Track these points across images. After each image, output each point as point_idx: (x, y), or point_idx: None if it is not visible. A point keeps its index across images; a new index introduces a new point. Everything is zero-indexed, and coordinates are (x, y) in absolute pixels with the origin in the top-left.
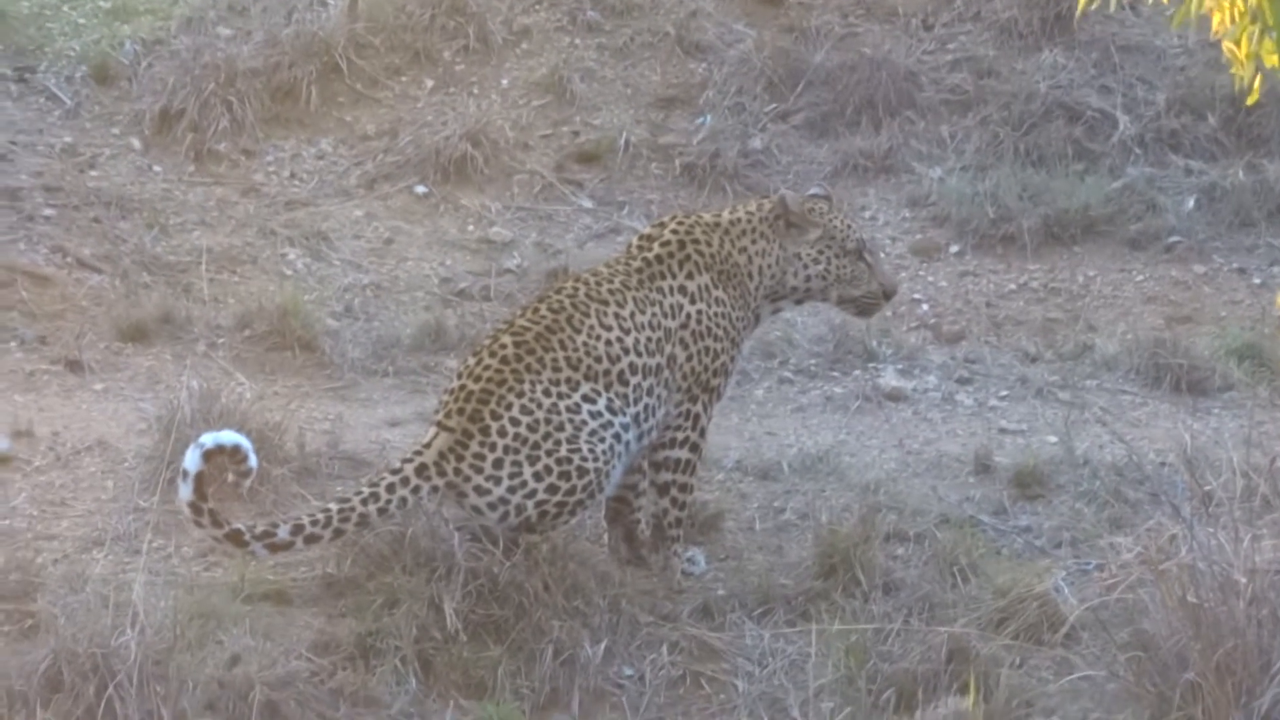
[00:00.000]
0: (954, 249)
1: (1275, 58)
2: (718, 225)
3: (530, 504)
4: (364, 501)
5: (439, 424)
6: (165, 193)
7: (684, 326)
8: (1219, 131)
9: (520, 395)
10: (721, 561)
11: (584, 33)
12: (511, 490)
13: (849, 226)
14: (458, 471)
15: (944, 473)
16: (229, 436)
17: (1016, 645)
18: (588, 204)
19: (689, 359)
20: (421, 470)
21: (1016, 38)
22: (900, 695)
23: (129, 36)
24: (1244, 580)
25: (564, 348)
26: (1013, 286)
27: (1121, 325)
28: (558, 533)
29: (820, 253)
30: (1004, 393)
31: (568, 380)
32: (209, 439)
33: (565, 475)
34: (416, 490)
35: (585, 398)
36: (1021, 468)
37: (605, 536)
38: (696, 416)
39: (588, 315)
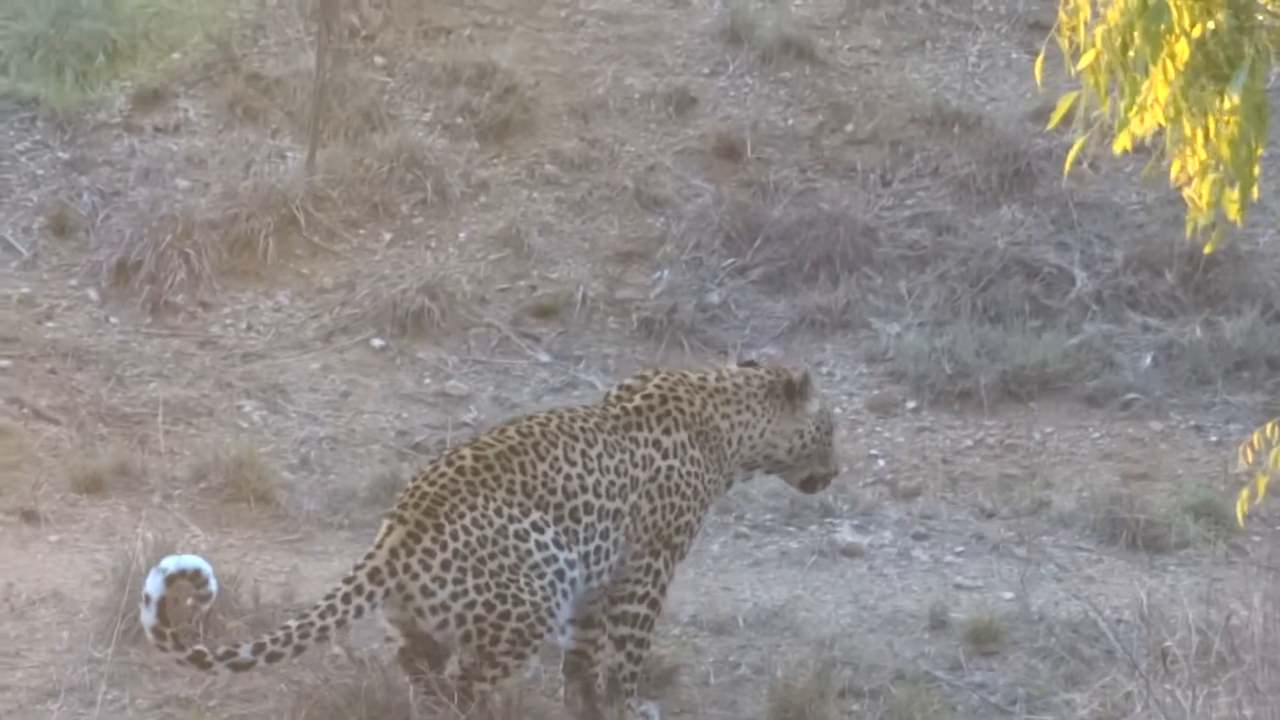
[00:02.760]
0: (911, 405)
1: (1235, 208)
2: (703, 387)
3: (469, 616)
4: (321, 615)
5: (393, 515)
6: (122, 344)
7: (652, 479)
8: (1176, 289)
9: (473, 508)
10: (676, 716)
11: (542, 186)
12: (454, 597)
13: (830, 407)
14: (407, 568)
15: (899, 628)
16: (190, 560)
17: None
18: (544, 358)
19: (653, 512)
20: (374, 575)
21: (975, 194)
22: None
23: (86, 188)
24: None
25: (523, 471)
26: (969, 442)
27: (1078, 482)
28: (511, 683)
29: (817, 428)
30: (960, 548)
31: (520, 505)
32: (171, 563)
33: (502, 598)
34: (371, 596)
35: (534, 525)
36: (977, 624)
37: (561, 690)
38: (657, 572)
39: (554, 446)
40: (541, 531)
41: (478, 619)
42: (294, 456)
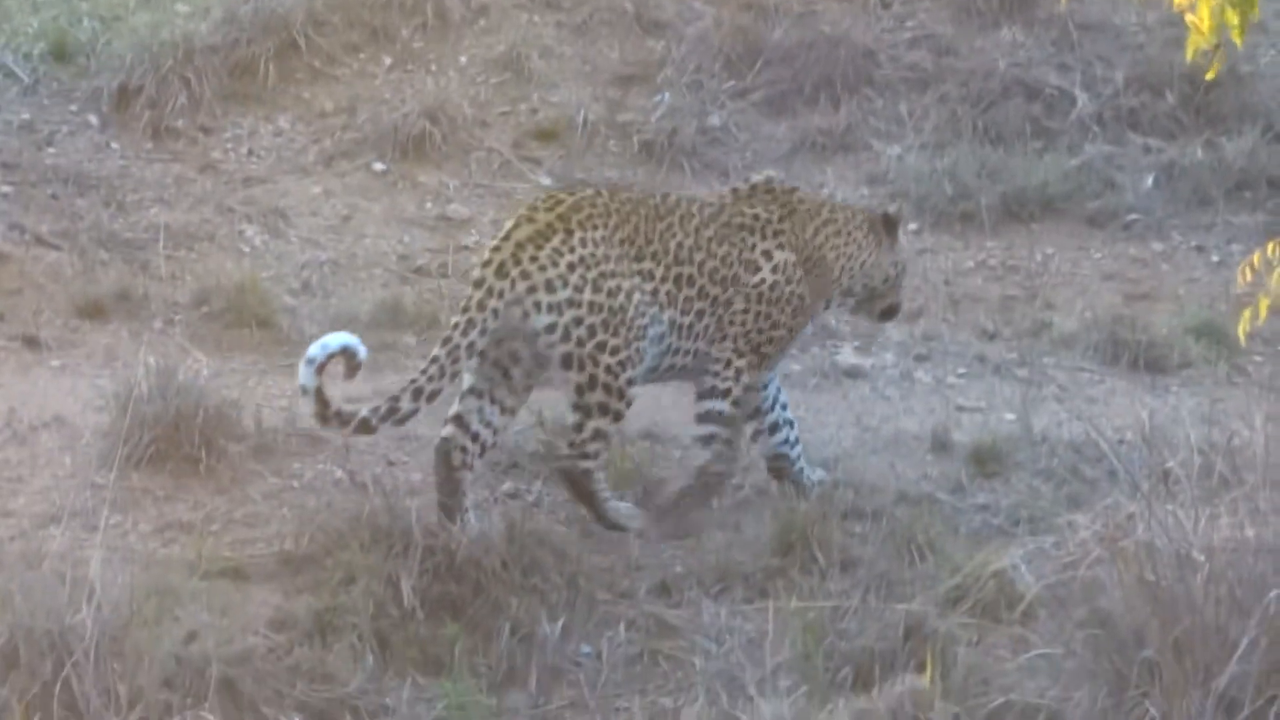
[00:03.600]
0: (912, 226)
1: (1237, 31)
2: (818, 216)
3: (575, 334)
4: (463, 332)
5: (521, 214)
6: (123, 170)
7: (755, 287)
8: (1177, 109)
9: (605, 228)
10: (680, 539)
11: (542, 10)
12: (570, 304)
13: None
14: (534, 259)
15: (902, 450)
16: (334, 340)
17: (974, 623)
18: (545, 181)
19: (745, 312)
20: (501, 269)
21: (975, 15)
22: (857, 673)
23: (87, 13)
24: (1202, 558)
25: (645, 220)
26: (971, 264)
27: (1080, 303)
28: (518, 511)
29: (902, 259)
30: (962, 370)
31: (639, 249)
32: (317, 350)
33: (606, 326)
34: (501, 294)
35: (645, 274)
36: (979, 445)
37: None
38: (739, 370)
39: (673, 213)
40: (649, 280)
41: (579, 340)
42: (295, 281)
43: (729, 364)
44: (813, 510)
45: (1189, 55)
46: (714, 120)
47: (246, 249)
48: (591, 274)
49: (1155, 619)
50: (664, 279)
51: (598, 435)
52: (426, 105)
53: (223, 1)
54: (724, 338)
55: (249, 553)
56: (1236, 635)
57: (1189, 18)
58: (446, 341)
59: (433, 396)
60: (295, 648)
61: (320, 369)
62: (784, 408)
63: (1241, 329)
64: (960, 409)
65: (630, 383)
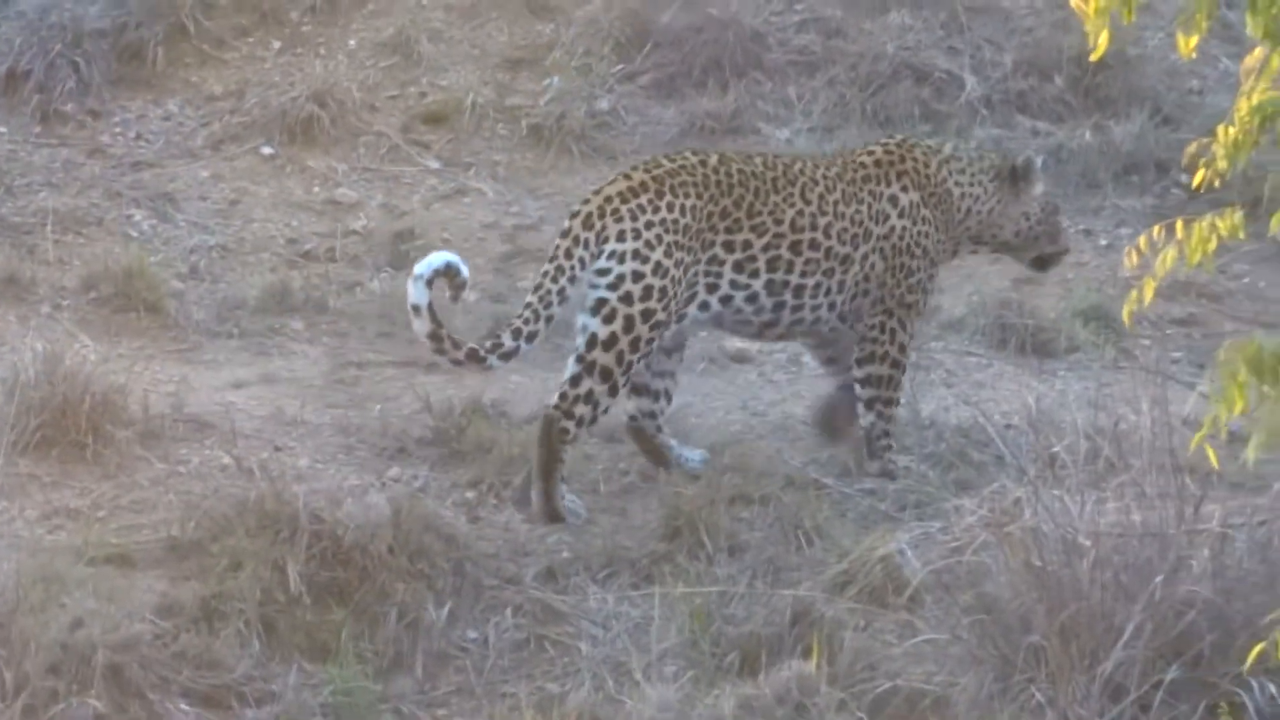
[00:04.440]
0: None
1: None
2: (939, 151)
3: (627, 286)
4: (552, 279)
5: (620, 173)
6: (10, 153)
7: (886, 237)
8: (1066, 93)
9: (698, 198)
10: (566, 525)
11: None
12: (633, 256)
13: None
14: (615, 212)
15: (789, 434)
16: (438, 259)
17: (860, 608)
18: (434, 165)
19: (886, 270)
20: (588, 220)
21: None
22: (744, 658)
23: None
24: (1088, 543)
25: (755, 196)
26: None
27: (968, 286)
28: (405, 497)
29: (1042, 209)
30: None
31: (730, 224)
32: (424, 268)
33: (659, 293)
34: (588, 245)
35: (735, 245)
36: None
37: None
38: (893, 330)
39: (793, 184)
40: (739, 250)
41: (627, 296)
42: (183, 265)
43: (882, 326)
44: (700, 495)
45: (1090, 40)
46: (603, 104)
47: (134, 233)
48: (667, 238)
49: (1041, 604)
50: (768, 246)
51: (590, 399)
52: (315, 89)
53: None
54: (868, 298)
55: (135, 539)
56: (1122, 620)
57: (1075, 2)
58: (538, 288)
59: (531, 337)
60: (181, 634)
61: (429, 284)
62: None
63: (1126, 312)
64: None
65: (641, 360)
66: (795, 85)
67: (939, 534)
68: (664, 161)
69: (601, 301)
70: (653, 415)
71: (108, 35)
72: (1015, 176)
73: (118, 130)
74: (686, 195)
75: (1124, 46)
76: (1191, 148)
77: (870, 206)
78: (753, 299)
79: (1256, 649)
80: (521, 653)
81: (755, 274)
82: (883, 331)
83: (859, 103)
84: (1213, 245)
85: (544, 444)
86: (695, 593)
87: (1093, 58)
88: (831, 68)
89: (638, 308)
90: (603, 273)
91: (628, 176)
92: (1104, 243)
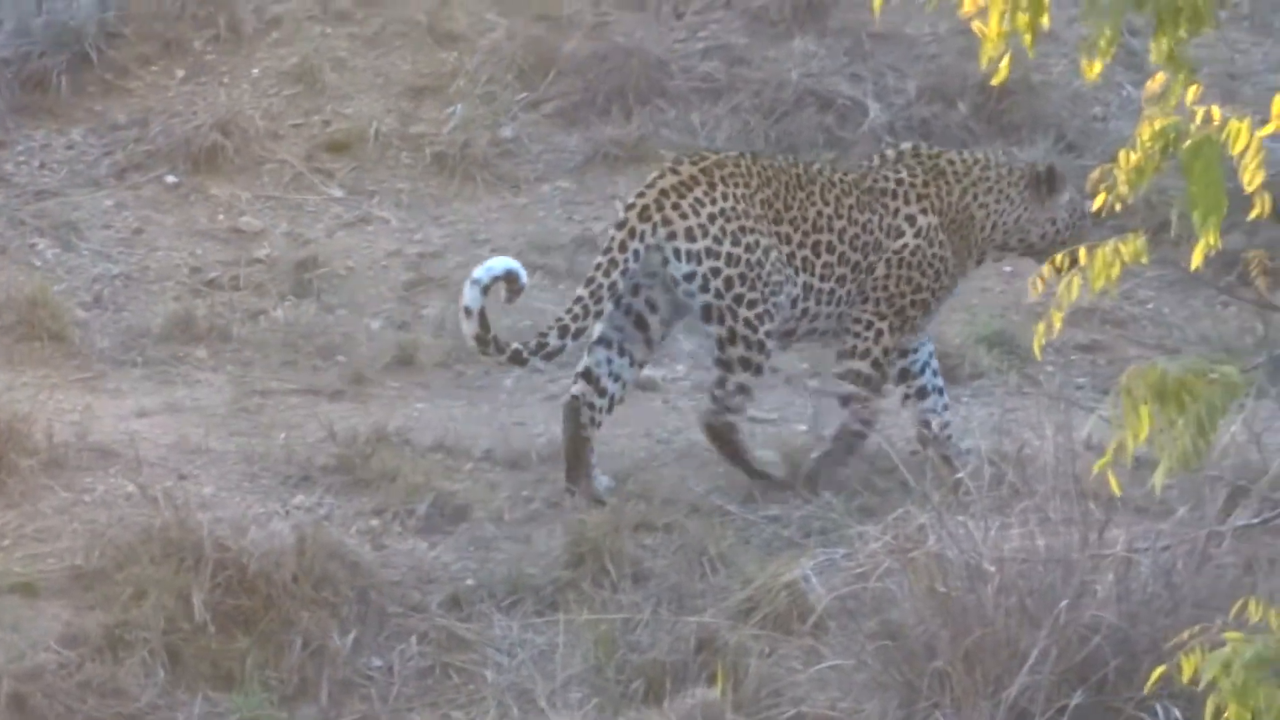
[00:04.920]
0: None
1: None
2: (966, 175)
3: (713, 284)
4: (605, 272)
5: (666, 166)
6: None
7: (897, 252)
8: (970, 119)
9: (746, 187)
10: (469, 553)
11: (335, 21)
12: (708, 254)
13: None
14: (676, 206)
15: (694, 462)
16: (498, 264)
17: (765, 635)
18: (338, 193)
19: (888, 278)
20: (644, 213)
21: (768, 25)
22: (649, 685)
23: None
24: (992, 569)
25: (786, 188)
26: None
27: None
28: (309, 525)
29: (1069, 214)
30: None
31: (776, 213)
32: (482, 273)
33: (744, 280)
34: (643, 236)
35: (781, 237)
36: (772, 457)
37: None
38: (879, 332)
39: (814, 182)
40: (786, 244)
41: (718, 292)
42: (87, 294)
43: (870, 325)
44: (604, 523)
45: (983, 64)
46: (507, 132)
47: (38, 262)
48: (731, 226)
49: (946, 630)
50: (801, 244)
51: (741, 389)
52: (219, 117)
53: (15, 13)
54: (865, 299)
55: (40, 568)
56: (1027, 646)
57: (976, 25)
58: (590, 282)
59: (578, 334)
60: (86, 663)
61: (485, 291)
62: (935, 374)
63: (1037, 345)
64: (753, 420)
65: (769, 335)
66: (699, 112)
67: (843, 560)
68: (707, 154)
69: (706, 308)
70: (591, 407)
71: (11, 64)
72: (1041, 184)
73: (21, 159)
74: (736, 184)
75: (1028, 73)
76: (1095, 173)
77: (883, 220)
78: (794, 301)
79: (1158, 672)
80: (426, 680)
81: (797, 271)
82: (867, 328)
83: (763, 129)
84: (1116, 271)
85: (720, 446)
86: (600, 620)
87: (993, 82)
88: (735, 95)
89: (729, 298)
90: (689, 278)
91: (676, 170)
92: (1008, 269)
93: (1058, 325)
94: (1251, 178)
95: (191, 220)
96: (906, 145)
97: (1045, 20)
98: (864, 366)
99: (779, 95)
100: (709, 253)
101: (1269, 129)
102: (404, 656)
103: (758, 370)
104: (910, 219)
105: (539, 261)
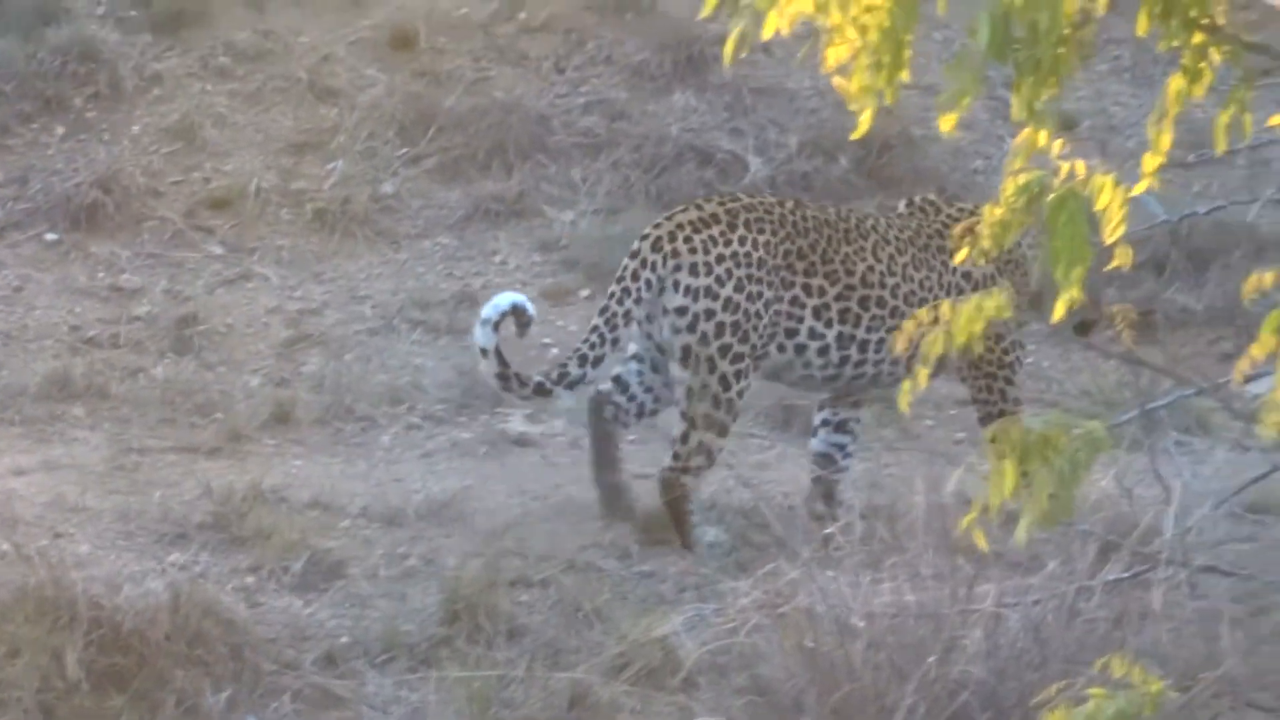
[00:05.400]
0: (585, 293)
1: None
2: None
3: (702, 326)
4: (618, 300)
5: (691, 202)
6: None
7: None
8: (850, 173)
9: (772, 235)
10: (344, 609)
11: (216, 78)
12: (706, 293)
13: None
14: (688, 240)
15: (571, 518)
16: (504, 300)
17: (637, 691)
18: (218, 250)
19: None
20: (657, 244)
21: (648, 80)
22: None
23: None
24: (862, 624)
25: (829, 243)
26: None
27: None
28: (184, 582)
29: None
30: (632, 437)
31: (807, 268)
32: (490, 311)
33: (735, 329)
34: (655, 267)
35: (808, 289)
36: (648, 513)
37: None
38: (1002, 391)
39: (865, 239)
40: (815, 296)
41: (704, 337)
42: None
43: (989, 389)
44: (479, 579)
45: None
46: (387, 188)
47: None
48: (739, 272)
49: (814, 685)
50: (839, 297)
51: (702, 449)
52: (99, 175)
53: None
54: (968, 364)
55: None
56: (895, 701)
57: (837, 81)
58: (604, 310)
59: (597, 362)
60: None
61: (496, 327)
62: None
63: (903, 401)
64: (631, 476)
65: (741, 395)
66: (580, 167)
67: (714, 616)
68: (742, 197)
69: (685, 349)
70: (616, 405)
71: None
72: None
73: None
74: (760, 231)
75: (908, 127)
76: (957, 229)
77: (942, 276)
78: (824, 351)
79: None
80: None
81: (830, 323)
82: (991, 393)
83: (643, 184)
84: (979, 327)
85: (668, 505)
86: (473, 676)
87: (853, 135)
88: (615, 149)
89: (715, 346)
90: (681, 312)
91: (700, 206)
92: None
93: (923, 381)
94: (1113, 231)
95: (71, 278)
96: (919, 198)
97: (905, 75)
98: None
99: (660, 150)
100: (708, 292)
101: (1140, 187)
102: (278, 714)
103: (722, 431)
104: (966, 275)
105: (419, 318)
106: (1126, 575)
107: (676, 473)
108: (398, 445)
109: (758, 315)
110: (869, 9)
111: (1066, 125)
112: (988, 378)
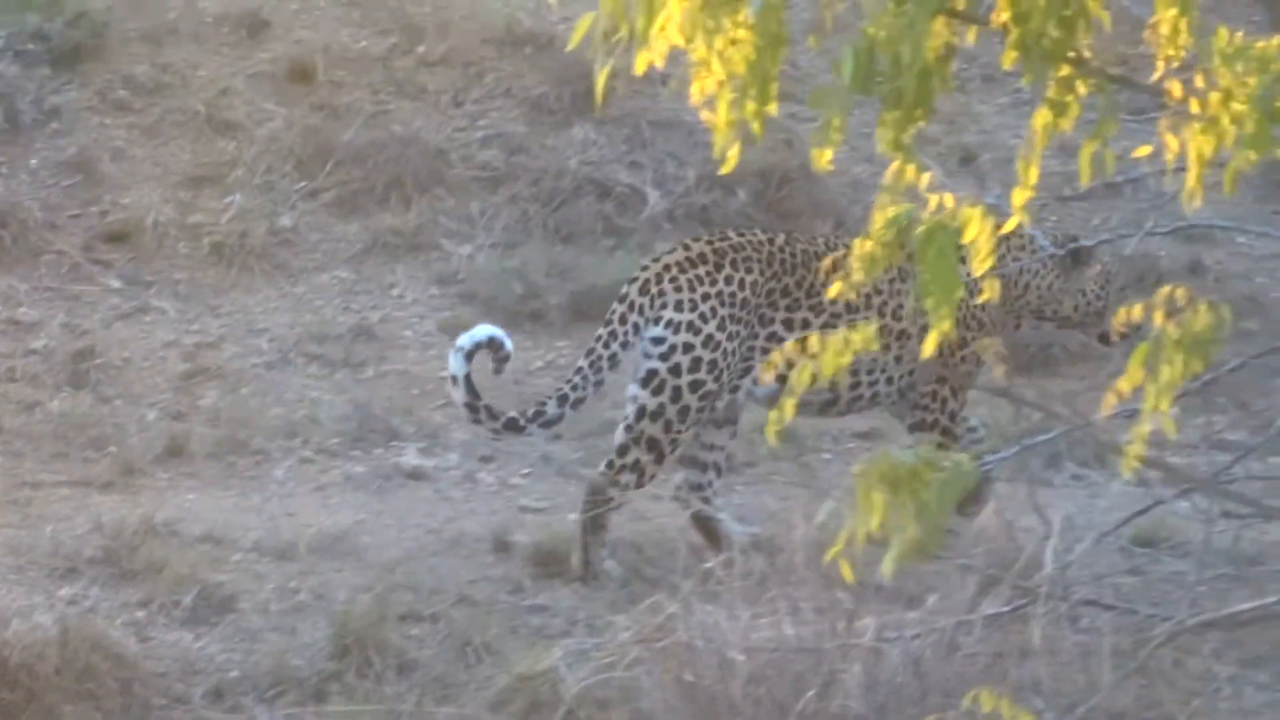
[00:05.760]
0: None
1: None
2: (1005, 240)
3: (673, 361)
4: (605, 344)
5: (679, 243)
6: None
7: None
8: (749, 206)
9: (760, 275)
10: (234, 644)
11: (114, 112)
12: (690, 327)
13: (1118, 270)
14: (673, 280)
15: (463, 551)
16: (481, 332)
17: None
18: (116, 284)
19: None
20: (644, 286)
21: (547, 114)
22: None
23: None
24: (741, 659)
25: (816, 275)
26: (540, 364)
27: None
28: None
29: (1100, 287)
30: (526, 470)
31: (793, 301)
32: (466, 340)
33: (712, 369)
34: (642, 310)
35: (794, 324)
36: (540, 546)
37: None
38: (944, 399)
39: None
40: (800, 329)
41: (676, 368)
42: None
43: (935, 395)
44: (370, 613)
45: (715, 153)
46: (285, 221)
47: None
48: (723, 312)
49: None
50: (825, 326)
51: (635, 468)
52: None
53: None
54: (925, 370)
55: None
56: None
57: (704, 114)
58: (590, 353)
59: (577, 404)
60: None
61: (469, 357)
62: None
63: (770, 431)
64: (523, 510)
65: (690, 428)
66: (478, 201)
67: (595, 650)
68: (731, 235)
69: (652, 373)
70: (700, 488)
71: None
72: (1077, 258)
73: None
74: (749, 270)
75: (806, 160)
76: (827, 261)
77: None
78: (811, 379)
79: None
80: None
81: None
82: (934, 399)
83: (541, 218)
84: (846, 360)
85: (587, 509)
86: (362, 711)
87: (722, 170)
88: (514, 183)
89: (686, 379)
90: (657, 341)
91: (687, 247)
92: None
93: (789, 414)
94: (981, 264)
95: None
96: None
97: (773, 108)
98: (934, 436)
99: (558, 183)
100: (690, 327)
101: (1012, 223)
102: None
103: (660, 458)
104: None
105: (316, 351)
106: (1007, 609)
107: (605, 481)
108: (291, 479)
109: (728, 355)
110: (734, 42)
111: (966, 159)
112: (939, 381)
